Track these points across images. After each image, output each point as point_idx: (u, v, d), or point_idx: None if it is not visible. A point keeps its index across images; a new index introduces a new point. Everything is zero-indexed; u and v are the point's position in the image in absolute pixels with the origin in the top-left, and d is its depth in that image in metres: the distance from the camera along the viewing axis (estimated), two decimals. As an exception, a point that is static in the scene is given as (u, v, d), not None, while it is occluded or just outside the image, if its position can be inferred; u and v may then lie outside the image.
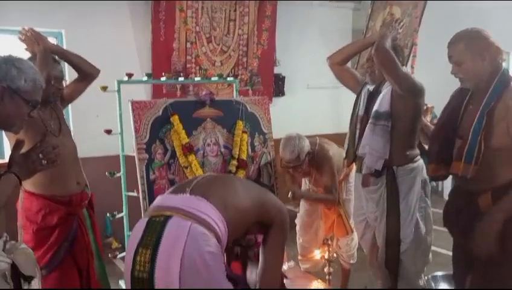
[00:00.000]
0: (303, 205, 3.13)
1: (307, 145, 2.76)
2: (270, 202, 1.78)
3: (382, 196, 2.40)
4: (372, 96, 2.48)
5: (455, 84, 2.14)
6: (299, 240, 3.14)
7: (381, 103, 2.39)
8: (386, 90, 2.40)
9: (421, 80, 2.42)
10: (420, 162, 2.45)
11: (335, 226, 2.97)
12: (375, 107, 2.41)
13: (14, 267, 1.47)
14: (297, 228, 3.14)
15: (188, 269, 1.43)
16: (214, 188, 1.67)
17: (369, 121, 2.43)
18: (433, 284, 3.22)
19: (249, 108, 2.86)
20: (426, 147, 2.54)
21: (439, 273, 3.33)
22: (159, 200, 1.69)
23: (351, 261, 3.11)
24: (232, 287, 1.59)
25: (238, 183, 1.81)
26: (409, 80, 2.33)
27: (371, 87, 2.51)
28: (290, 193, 2.86)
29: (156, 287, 1.47)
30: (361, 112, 2.52)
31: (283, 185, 3.33)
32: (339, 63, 2.61)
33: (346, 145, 2.65)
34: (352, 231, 2.94)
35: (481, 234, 1.85)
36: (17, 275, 1.49)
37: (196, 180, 1.71)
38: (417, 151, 2.45)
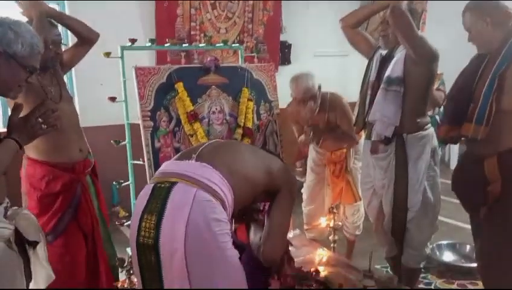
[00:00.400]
0: (310, 174, 3.12)
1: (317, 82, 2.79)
2: (278, 170, 1.74)
3: (391, 163, 2.37)
4: (384, 61, 2.41)
5: (464, 51, 2.12)
6: (305, 209, 3.15)
7: (394, 68, 2.32)
8: (399, 54, 2.33)
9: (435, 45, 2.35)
10: (430, 130, 2.41)
11: (343, 193, 2.97)
12: (387, 72, 2.35)
13: (17, 233, 1.47)
14: (304, 197, 3.15)
15: (192, 235, 1.42)
16: (220, 155, 1.64)
17: (381, 87, 2.37)
18: (437, 253, 3.24)
19: (254, 75, 2.81)
20: (429, 113, 2.57)
21: (444, 242, 3.35)
22: (164, 166, 1.67)
23: (357, 233, 3.11)
24: (237, 254, 1.58)
25: (246, 149, 1.78)
26: (426, 44, 2.25)
27: (383, 52, 2.44)
28: (301, 137, 2.90)
29: (161, 254, 1.46)
30: (372, 77, 2.46)
31: (289, 154, 3.31)
32: (351, 26, 2.54)
33: (355, 112, 2.61)
34: (360, 199, 2.94)
35: None
36: (21, 241, 1.49)
37: (203, 146, 1.68)
38: (428, 119, 2.41)
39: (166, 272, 1.47)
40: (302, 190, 3.18)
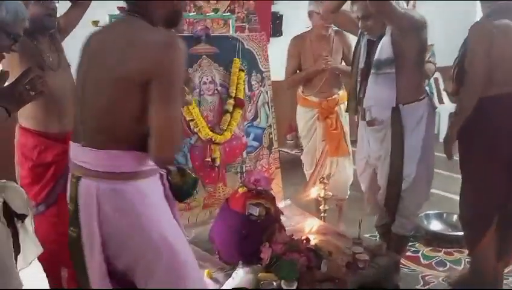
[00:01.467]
0: (305, 139, 3.20)
1: None
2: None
3: (387, 135, 2.39)
4: (372, 46, 2.39)
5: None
6: (307, 173, 3.22)
7: (382, 50, 2.31)
8: (385, 37, 2.31)
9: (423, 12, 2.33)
10: (426, 99, 2.42)
11: (340, 146, 3.05)
12: (376, 56, 2.33)
13: (6, 206, 1.46)
14: (304, 162, 3.25)
15: (109, 231, 1.37)
16: (97, 126, 1.39)
17: (371, 72, 2.36)
18: (425, 222, 3.31)
19: (245, 44, 2.78)
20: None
21: (432, 211, 3.42)
22: (71, 150, 1.47)
23: (346, 196, 3.20)
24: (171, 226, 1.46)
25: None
26: (409, 16, 2.25)
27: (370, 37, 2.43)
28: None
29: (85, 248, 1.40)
30: (361, 64, 2.46)
31: (281, 126, 3.31)
32: (332, 11, 2.55)
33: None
34: (349, 153, 3.10)
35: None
36: (9, 214, 1.49)
37: (80, 120, 1.43)
38: (423, 87, 2.41)
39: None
40: (302, 157, 3.30)
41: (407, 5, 4.45)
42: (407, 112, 2.35)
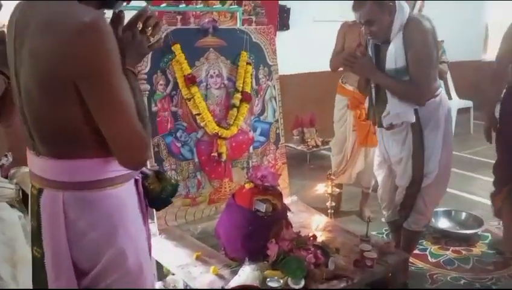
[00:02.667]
0: (336, 124, 3.33)
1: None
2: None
3: (408, 136, 2.35)
4: (379, 50, 2.34)
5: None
6: (334, 157, 3.40)
7: (395, 58, 2.23)
8: (396, 40, 2.22)
9: (429, 13, 2.27)
10: (442, 93, 2.38)
11: (369, 136, 3.12)
12: (389, 65, 2.26)
13: (23, 192, 1.43)
14: (333, 149, 3.42)
15: (80, 245, 1.21)
16: (47, 134, 1.19)
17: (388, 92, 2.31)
18: (433, 220, 3.28)
19: (253, 38, 2.73)
20: None
21: (440, 209, 3.39)
22: (28, 158, 1.30)
23: (373, 183, 3.28)
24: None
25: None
26: (424, 78, 2.23)
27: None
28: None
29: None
30: None
31: (288, 121, 3.29)
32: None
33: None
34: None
35: None
36: (26, 201, 1.44)
37: (29, 130, 1.22)
38: (438, 83, 2.37)
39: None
40: (331, 143, 3.50)
41: (414, 7, 4.42)
42: (424, 111, 2.30)
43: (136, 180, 1.30)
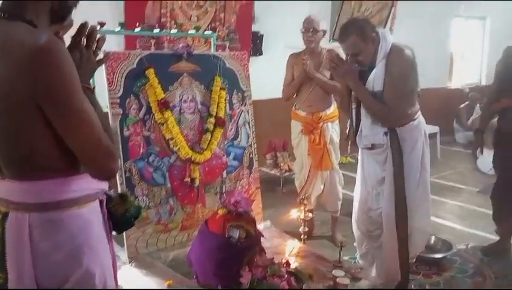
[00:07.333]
0: (296, 150, 3.35)
1: None
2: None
3: (388, 156, 2.38)
4: (363, 75, 2.38)
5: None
6: (297, 181, 3.41)
7: (375, 82, 2.30)
8: (380, 67, 2.29)
9: (401, 38, 2.34)
10: (420, 117, 2.45)
11: (323, 161, 3.14)
12: (368, 87, 2.32)
13: None
14: (296, 171, 3.45)
15: (45, 269, 1.18)
16: (11, 156, 1.18)
17: (362, 106, 2.38)
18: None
19: (227, 63, 2.76)
20: None
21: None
22: None
23: (338, 208, 3.30)
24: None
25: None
26: (398, 104, 2.30)
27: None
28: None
29: None
30: (354, 92, 2.45)
31: (261, 146, 3.30)
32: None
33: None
34: (333, 167, 3.20)
35: None
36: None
37: None
38: (417, 106, 2.43)
39: None
40: (293, 167, 3.56)
41: (385, 26, 4.54)
42: (403, 134, 2.36)
43: (100, 201, 1.31)
